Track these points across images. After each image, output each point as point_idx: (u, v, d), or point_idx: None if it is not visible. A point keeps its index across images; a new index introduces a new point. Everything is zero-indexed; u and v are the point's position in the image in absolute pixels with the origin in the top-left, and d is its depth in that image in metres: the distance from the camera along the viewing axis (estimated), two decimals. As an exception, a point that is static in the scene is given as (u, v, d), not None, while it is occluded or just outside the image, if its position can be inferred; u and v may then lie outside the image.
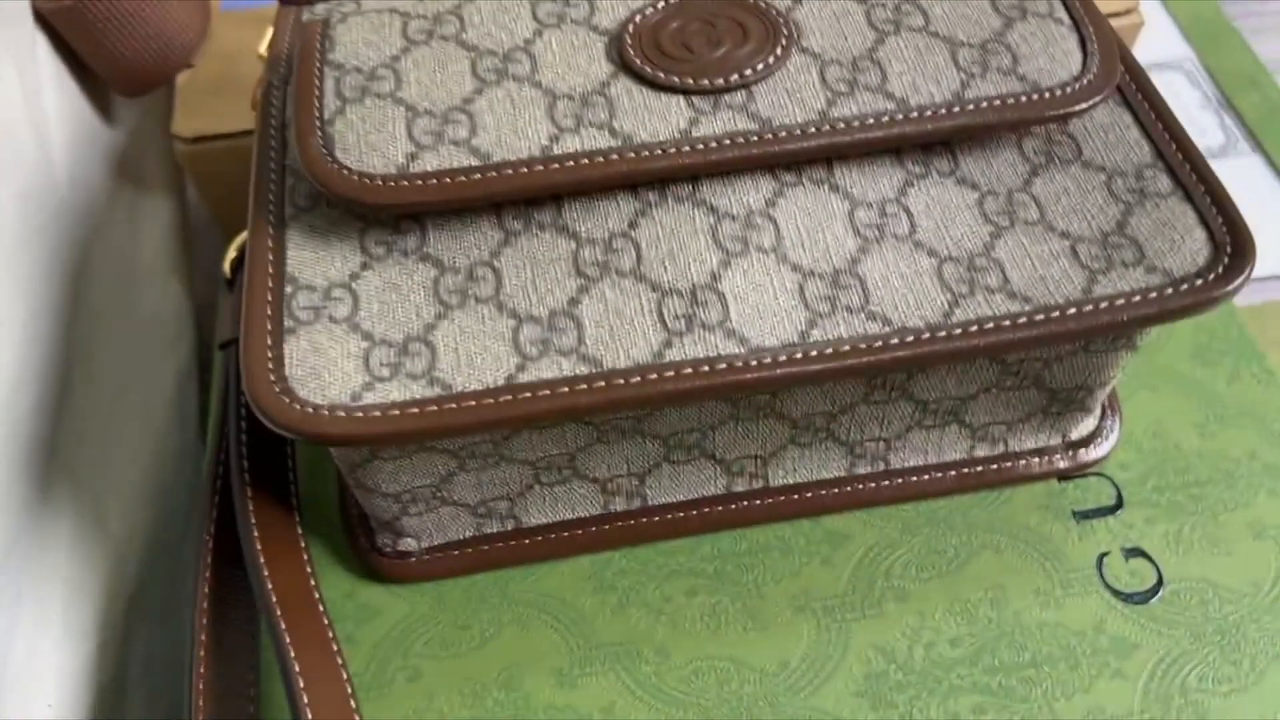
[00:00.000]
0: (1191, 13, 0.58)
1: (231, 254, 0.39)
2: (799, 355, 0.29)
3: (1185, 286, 0.30)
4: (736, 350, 0.29)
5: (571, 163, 0.31)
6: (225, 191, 0.47)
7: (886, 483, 0.37)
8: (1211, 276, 0.30)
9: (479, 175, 0.30)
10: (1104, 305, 0.30)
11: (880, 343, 0.29)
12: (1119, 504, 0.37)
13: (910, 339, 0.29)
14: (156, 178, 0.48)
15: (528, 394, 0.29)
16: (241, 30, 0.48)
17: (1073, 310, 0.30)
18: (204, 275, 0.52)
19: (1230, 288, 0.30)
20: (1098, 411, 0.38)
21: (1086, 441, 0.38)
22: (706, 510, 0.37)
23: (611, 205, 0.31)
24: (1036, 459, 0.38)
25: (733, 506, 0.37)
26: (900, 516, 0.37)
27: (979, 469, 0.37)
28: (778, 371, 0.29)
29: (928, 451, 0.37)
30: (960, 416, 0.36)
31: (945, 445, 0.37)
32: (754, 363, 0.29)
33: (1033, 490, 0.38)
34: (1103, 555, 0.36)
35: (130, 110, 0.46)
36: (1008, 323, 0.30)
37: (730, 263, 0.31)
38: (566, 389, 0.29)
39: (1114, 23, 0.49)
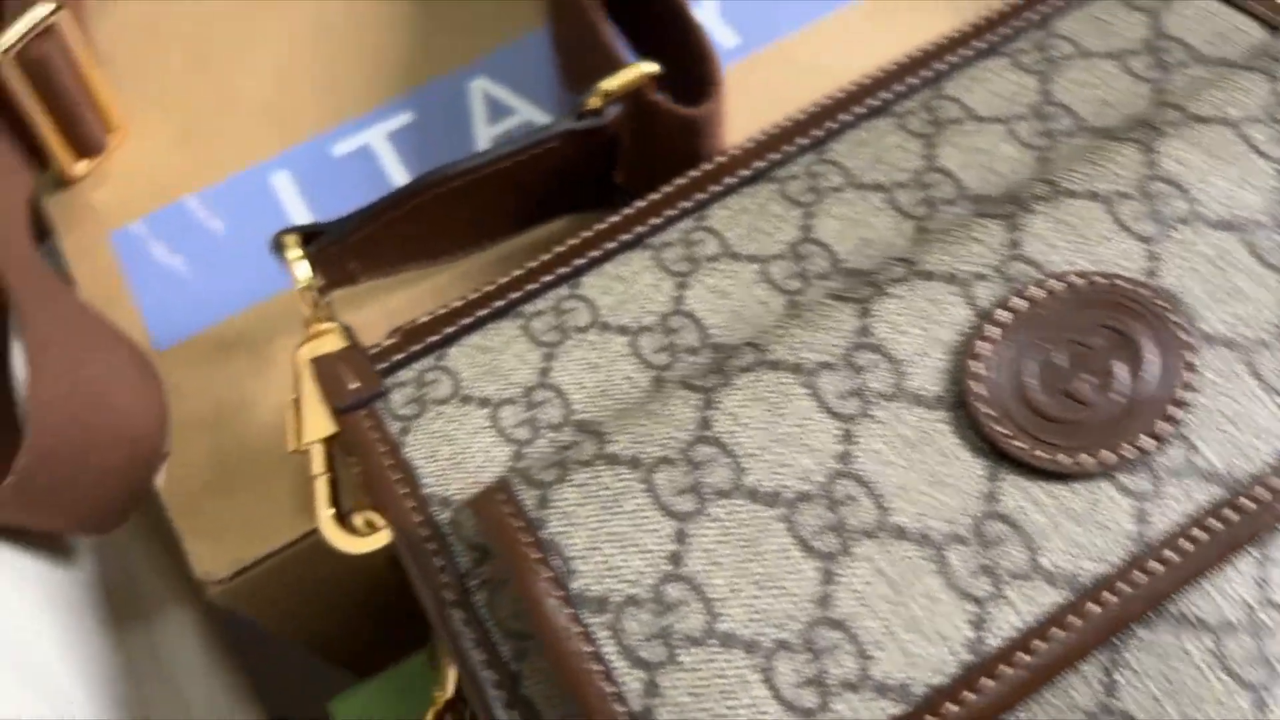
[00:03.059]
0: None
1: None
2: None
3: None
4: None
5: (1024, 656, 0.20)
6: (285, 609, 0.34)
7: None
8: None
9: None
10: None
11: None
12: None
13: None
14: (180, 631, 0.34)
15: None
16: (206, 374, 0.34)
17: None
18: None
19: None
20: None
21: None
22: None
23: (1076, 680, 0.21)
24: None
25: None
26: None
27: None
28: None
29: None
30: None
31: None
32: None
33: None
34: None
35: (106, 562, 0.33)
36: None
37: (1265, 701, 0.21)
38: None
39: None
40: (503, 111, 0.37)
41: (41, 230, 0.37)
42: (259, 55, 0.39)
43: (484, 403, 0.26)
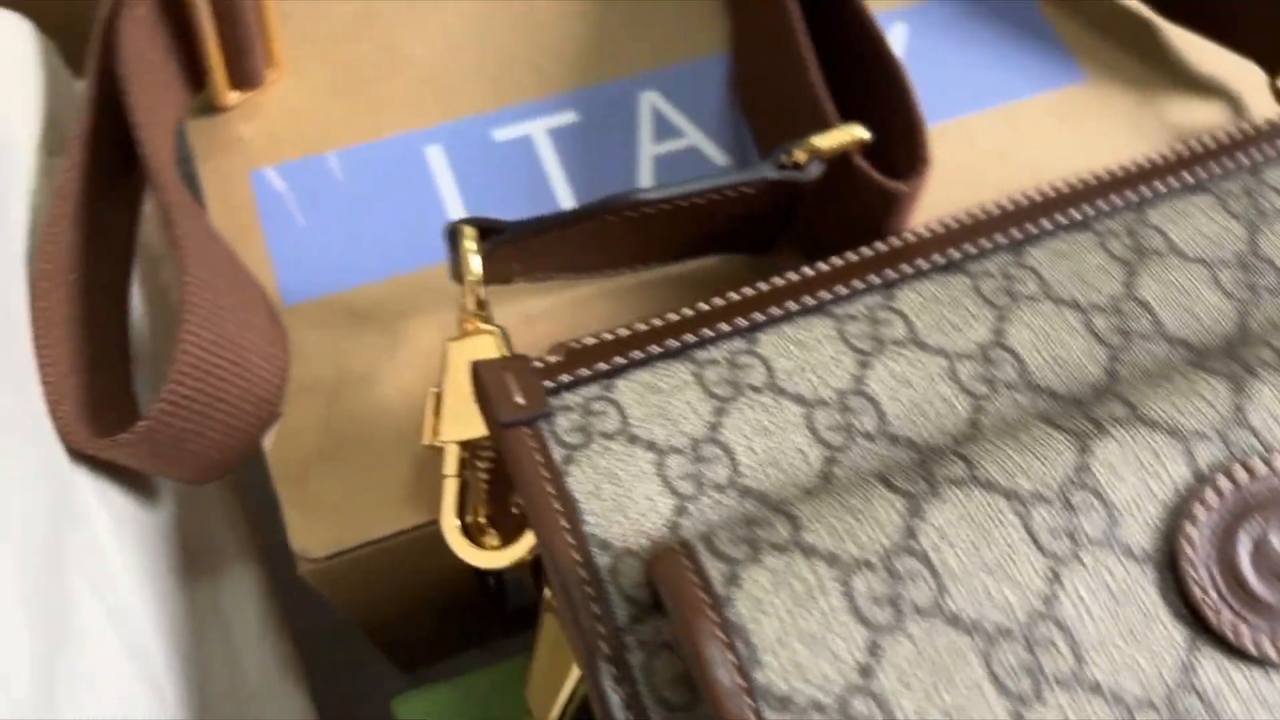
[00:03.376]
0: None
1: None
2: None
3: None
4: None
5: None
6: (366, 597, 0.33)
7: None
8: None
9: None
10: None
11: None
12: None
13: None
14: (244, 590, 0.33)
15: None
16: (331, 339, 0.33)
17: None
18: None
19: None
20: None
21: None
22: None
23: None
24: None
25: None
26: None
27: None
28: None
29: None
30: None
31: None
32: None
33: None
34: None
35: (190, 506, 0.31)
36: None
37: None
38: None
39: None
40: (669, 132, 0.36)
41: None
42: (430, 18, 0.38)
43: (651, 446, 0.25)
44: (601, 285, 0.34)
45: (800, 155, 0.29)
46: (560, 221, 0.29)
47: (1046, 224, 0.29)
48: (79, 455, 0.26)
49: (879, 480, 0.23)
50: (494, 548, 0.27)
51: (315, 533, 0.30)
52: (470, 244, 0.28)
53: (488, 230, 0.29)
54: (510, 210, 0.35)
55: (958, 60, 0.38)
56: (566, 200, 0.35)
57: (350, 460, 0.31)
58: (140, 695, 0.26)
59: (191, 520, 0.32)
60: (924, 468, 0.23)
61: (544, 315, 0.33)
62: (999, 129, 0.37)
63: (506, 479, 0.29)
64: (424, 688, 0.32)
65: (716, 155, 0.36)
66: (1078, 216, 0.30)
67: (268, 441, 0.31)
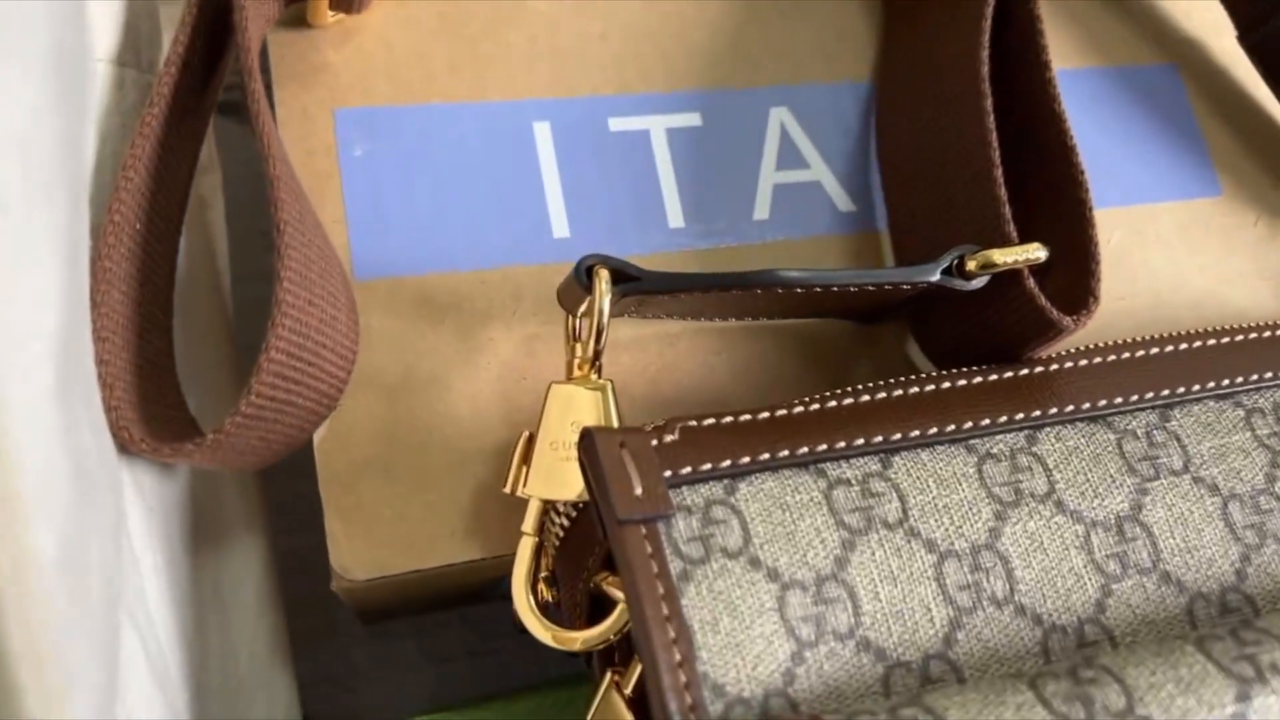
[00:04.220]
0: None
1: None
2: None
3: None
4: None
5: None
6: (382, 605, 0.30)
7: None
8: None
9: None
10: None
11: None
12: None
13: None
14: (246, 566, 0.30)
15: None
16: (402, 328, 0.29)
17: None
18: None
19: None
20: None
21: None
22: None
23: None
24: None
25: None
26: None
27: None
28: None
29: None
30: None
31: None
32: None
33: None
34: None
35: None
36: None
37: None
38: None
39: None
40: (793, 161, 0.33)
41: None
42: (560, -30, 0.34)
43: (774, 575, 0.23)
44: (697, 324, 0.31)
45: (971, 265, 0.27)
46: (700, 285, 0.26)
47: (1195, 388, 0.28)
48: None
49: (1029, 686, 0.21)
50: (566, 626, 0.25)
51: (358, 552, 0.27)
52: (605, 286, 0.25)
53: (620, 275, 0.26)
54: (612, 209, 0.31)
55: (1098, 142, 0.36)
56: (674, 211, 0.32)
57: (406, 474, 0.28)
58: (146, 682, 0.23)
59: (205, 489, 0.29)
60: (1075, 679, 0.21)
61: (631, 346, 0.30)
62: (1124, 227, 0.35)
63: (584, 543, 0.26)
64: (441, 710, 0.30)
65: (840, 197, 0.33)
66: (1227, 384, 0.28)
67: (319, 435, 0.28)
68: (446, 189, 0.31)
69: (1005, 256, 0.26)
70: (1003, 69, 0.31)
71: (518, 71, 0.32)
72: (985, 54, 0.29)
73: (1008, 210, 0.27)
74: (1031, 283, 0.27)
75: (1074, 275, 0.28)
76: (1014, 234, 0.27)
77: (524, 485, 0.26)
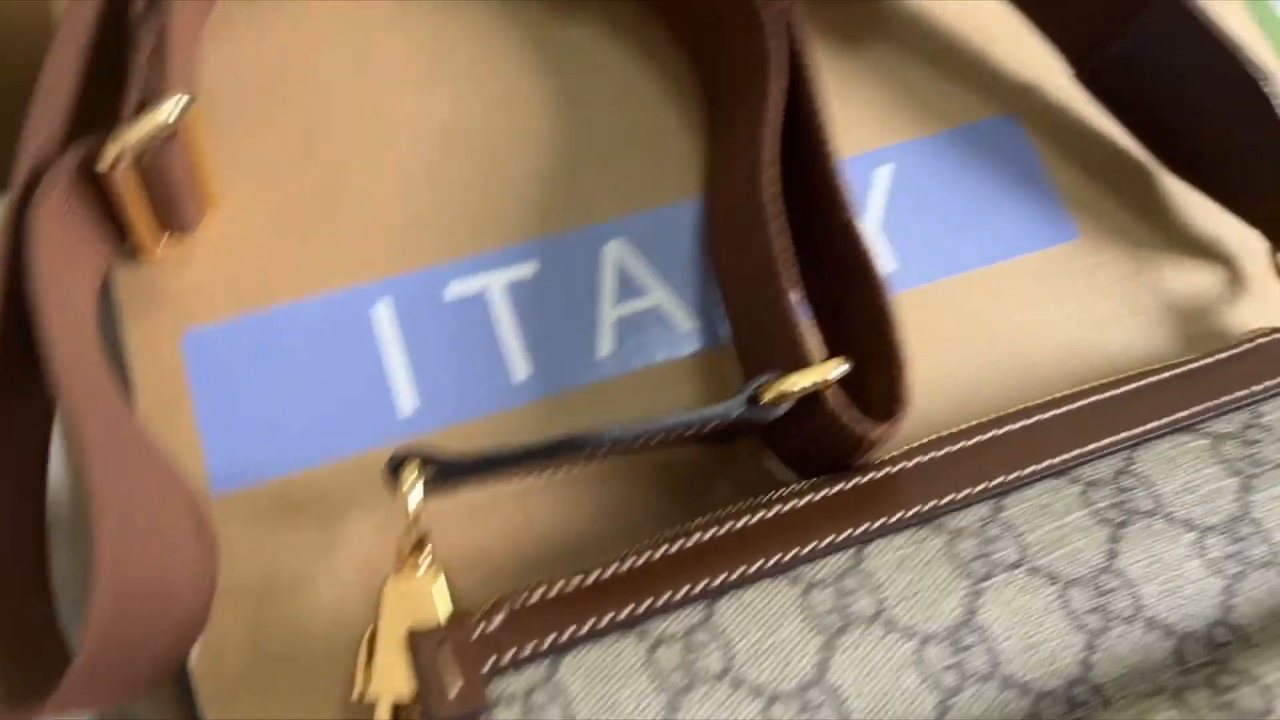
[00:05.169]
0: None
1: None
2: None
3: None
4: None
5: None
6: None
7: None
8: None
9: None
10: None
11: None
12: None
13: None
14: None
15: None
16: (262, 534, 0.31)
17: None
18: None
19: None
20: None
21: None
22: None
23: None
24: None
25: None
26: None
27: None
28: None
29: None
30: None
31: None
32: None
33: None
34: None
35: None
36: None
37: None
38: None
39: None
40: (632, 291, 0.34)
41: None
42: (383, 150, 0.35)
43: (595, 753, 0.24)
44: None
45: (767, 397, 0.27)
46: (516, 459, 0.27)
47: (1031, 468, 0.28)
48: None
49: None
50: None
51: (241, 762, 0.28)
52: (412, 476, 0.26)
53: (431, 459, 0.27)
54: (459, 376, 0.32)
55: (942, 209, 0.36)
56: (518, 365, 0.33)
57: (280, 684, 0.29)
58: None
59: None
60: None
61: (489, 508, 0.31)
62: (982, 291, 0.35)
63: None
64: None
65: (681, 318, 0.34)
66: (1060, 460, 0.28)
67: (193, 656, 0.29)
68: (294, 388, 0.32)
69: (801, 382, 0.27)
70: (796, 170, 0.31)
71: (352, 258, 0.34)
72: (772, 171, 0.30)
73: (799, 333, 0.28)
74: (832, 403, 0.27)
75: (885, 379, 0.28)
76: (809, 356, 0.28)
77: (367, 688, 0.26)
